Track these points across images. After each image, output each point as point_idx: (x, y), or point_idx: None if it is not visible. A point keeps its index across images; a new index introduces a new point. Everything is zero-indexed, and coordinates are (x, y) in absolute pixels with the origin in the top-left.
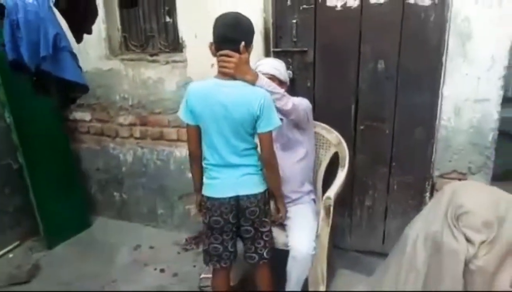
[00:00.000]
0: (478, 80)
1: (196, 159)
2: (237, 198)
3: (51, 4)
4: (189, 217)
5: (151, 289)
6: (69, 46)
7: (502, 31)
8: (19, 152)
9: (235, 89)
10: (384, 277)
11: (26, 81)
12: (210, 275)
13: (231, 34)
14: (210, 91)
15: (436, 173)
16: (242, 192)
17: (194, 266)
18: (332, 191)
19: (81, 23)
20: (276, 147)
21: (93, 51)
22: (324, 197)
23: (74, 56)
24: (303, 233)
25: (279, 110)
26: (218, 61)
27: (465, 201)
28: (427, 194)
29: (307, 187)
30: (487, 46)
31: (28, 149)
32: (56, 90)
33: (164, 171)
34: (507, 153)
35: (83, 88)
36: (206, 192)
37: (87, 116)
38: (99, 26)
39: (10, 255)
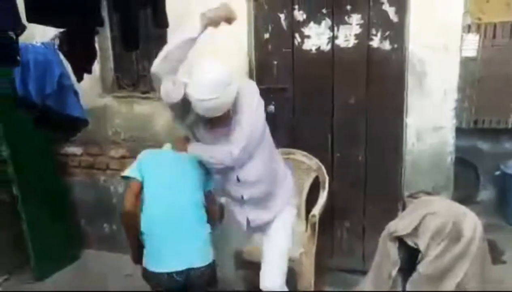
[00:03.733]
0: (434, 111)
1: None
2: None
3: (56, 47)
4: None
5: None
6: (71, 84)
7: (450, 70)
8: (14, 185)
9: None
10: (361, 283)
11: (24, 116)
12: None
13: None
14: None
15: (406, 194)
16: None
17: None
18: (316, 210)
19: (82, 64)
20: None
21: (87, 90)
22: (310, 215)
23: (76, 93)
24: (275, 271)
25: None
26: None
27: (433, 206)
28: (399, 213)
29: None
30: (439, 82)
31: (23, 182)
32: (58, 125)
33: None
34: (464, 176)
35: (84, 123)
36: None
37: (78, 150)
38: (94, 66)
39: (0, 289)
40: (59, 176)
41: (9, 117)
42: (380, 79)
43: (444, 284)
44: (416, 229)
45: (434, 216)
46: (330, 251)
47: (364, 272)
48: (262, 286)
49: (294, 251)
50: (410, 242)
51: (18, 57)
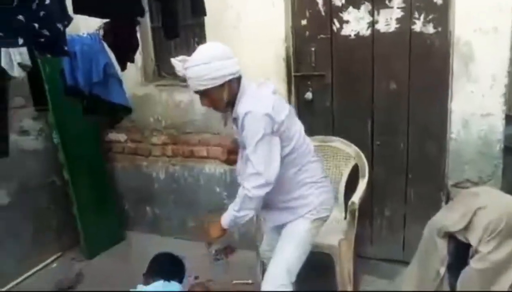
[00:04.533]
0: (482, 97)
1: None
2: None
3: (100, 37)
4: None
5: None
6: (116, 73)
7: (500, 54)
8: (64, 170)
9: None
10: (405, 276)
11: (74, 104)
12: (242, 281)
13: None
14: None
15: (450, 183)
16: None
17: (226, 273)
18: (356, 197)
19: (125, 54)
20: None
21: (129, 79)
22: (349, 202)
23: (120, 82)
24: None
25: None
26: None
27: (483, 199)
28: (443, 203)
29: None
30: (488, 67)
31: (72, 167)
32: (104, 112)
33: (194, 187)
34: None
35: (128, 110)
36: None
37: (122, 137)
38: (136, 56)
39: (54, 265)
40: (105, 162)
41: (59, 106)
42: (423, 65)
43: (499, 281)
44: (467, 225)
45: (486, 210)
46: (369, 239)
47: (403, 262)
48: None
49: (333, 239)
50: (460, 237)
51: (66, 48)
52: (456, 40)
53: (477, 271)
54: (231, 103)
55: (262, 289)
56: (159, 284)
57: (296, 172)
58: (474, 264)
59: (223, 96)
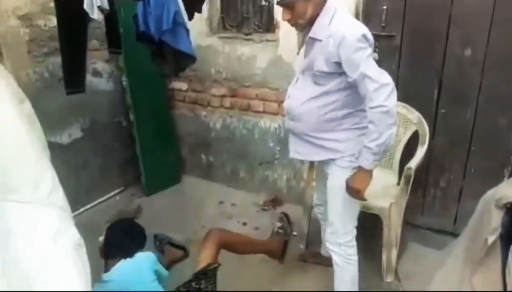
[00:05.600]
0: None
1: None
2: None
3: None
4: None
5: None
6: (184, 22)
7: None
8: (131, 111)
9: None
10: (452, 246)
11: (143, 50)
12: None
13: None
14: None
15: None
16: None
17: (272, 223)
18: (413, 163)
19: (193, 3)
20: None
21: (194, 29)
22: (406, 168)
23: (187, 31)
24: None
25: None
26: None
27: None
28: (505, 180)
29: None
30: None
31: (138, 109)
32: (170, 59)
33: (248, 139)
34: None
35: (192, 59)
36: None
37: (184, 86)
38: (202, 7)
39: (117, 198)
40: (167, 108)
41: (130, 51)
42: (504, 30)
43: None
44: None
45: None
46: (421, 209)
47: (454, 234)
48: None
49: (384, 202)
50: None
51: None
52: None
53: None
54: (311, 22)
55: (329, 248)
56: (125, 266)
57: (348, 114)
58: None
59: (308, 11)
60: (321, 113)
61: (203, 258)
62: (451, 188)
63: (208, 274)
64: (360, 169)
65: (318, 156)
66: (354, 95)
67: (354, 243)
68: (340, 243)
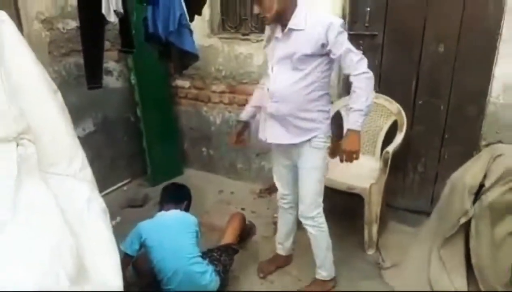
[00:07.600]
0: None
1: None
2: None
3: None
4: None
5: None
6: (188, 24)
7: None
8: (138, 108)
9: None
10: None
11: (150, 50)
12: None
13: None
14: None
15: (483, 143)
16: None
17: (268, 208)
18: (391, 148)
19: (194, 7)
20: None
21: (197, 30)
22: (384, 152)
23: (191, 32)
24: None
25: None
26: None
27: (498, 149)
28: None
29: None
30: None
31: (145, 106)
32: (176, 57)
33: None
34: None
35: (195, 58)
36: None
37: (186, 84)
38: (204, 10)
39: (125, 188)
40: (171, 104)
41: (139, 51)
42: (474, 29)
43: (500, 225)
44: (485, 174)
45: (502, 157)
46: (401, 192)
47: (430, 214)
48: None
49: (365, 182)
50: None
51: None
52: (510, 3)
53: (486, 207)
54: (281, 17)
55: (303, 222)
56: (175, 211)
57: (322, 95)
58: (485, 198)
59: (274, 6)
60: (306, 92)
61: (228, 235)
62: (428, 172)
63: (229, 251)
64: (351, 132)
65: (296, 138)
66: (326, 79)
67: (323, 213)
68: (313, 216)
